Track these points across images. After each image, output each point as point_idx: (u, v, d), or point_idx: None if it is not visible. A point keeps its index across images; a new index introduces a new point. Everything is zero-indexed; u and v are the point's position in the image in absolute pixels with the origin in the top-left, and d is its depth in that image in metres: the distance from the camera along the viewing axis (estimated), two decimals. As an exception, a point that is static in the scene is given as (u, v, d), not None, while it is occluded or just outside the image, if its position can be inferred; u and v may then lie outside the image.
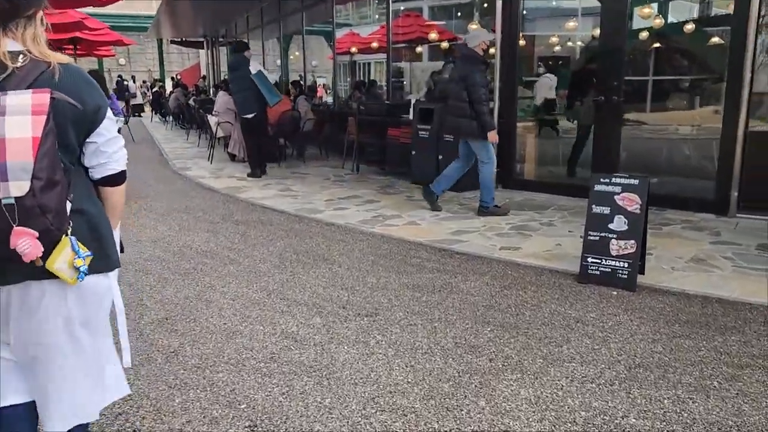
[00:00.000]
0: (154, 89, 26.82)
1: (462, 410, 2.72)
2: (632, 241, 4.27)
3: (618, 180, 4.36)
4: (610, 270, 4.32)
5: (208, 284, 4.43)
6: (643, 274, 4.44)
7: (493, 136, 6.34)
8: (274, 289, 4.30)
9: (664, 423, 2.60)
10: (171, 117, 20.45)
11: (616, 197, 4.34)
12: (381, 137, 9.30)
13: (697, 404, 2.75)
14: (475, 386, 2.92)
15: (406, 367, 3.13)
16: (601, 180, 4.41)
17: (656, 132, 8.50)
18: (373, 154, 9.80)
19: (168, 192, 8.30)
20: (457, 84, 6.42)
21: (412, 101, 9.05)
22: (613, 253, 4.32)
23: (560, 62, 12.34)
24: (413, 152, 8.33)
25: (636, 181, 4.30)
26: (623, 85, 6.83)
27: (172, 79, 27.46)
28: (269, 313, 3.86)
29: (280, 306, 3.98)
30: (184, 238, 5.79)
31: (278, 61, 18.95)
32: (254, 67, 8.96)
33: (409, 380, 2.99)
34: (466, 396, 2.83)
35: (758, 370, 3.06)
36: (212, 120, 11.13)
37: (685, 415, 2.67)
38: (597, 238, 4.38)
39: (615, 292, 4.21)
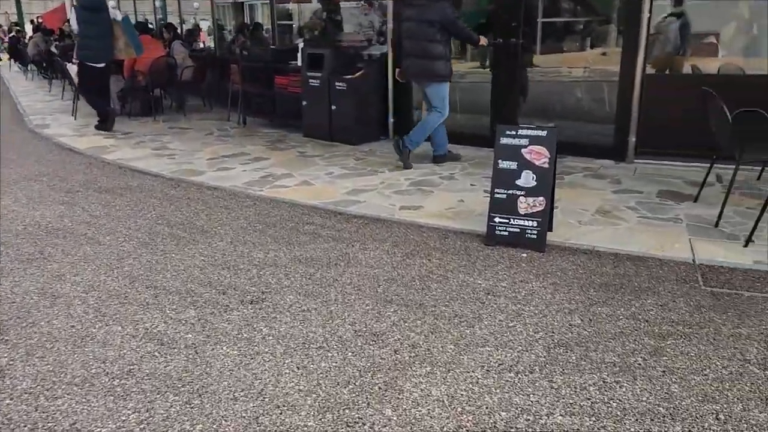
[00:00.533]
0: (11, 34, 23.88)
1: (365, 424, 2.28)
2: (541, 198, 3.96)
3: (525, 132, 3.99)
4: (518, 230, 4.01)
5: (56, 273, 3.68)
6: (551, 230, 4.17)
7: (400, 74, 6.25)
8: (139, 275, 3.63)
9: (594, 419, 2.29)
10: (31, 66, 18.22)
11: (523, 151, 3.99)
12: (268, 86, 8.52)
13: (624, 389, 2.47)
14: (380, 389, 2.49)
15: (298, 369, 2.64)
16: (507, 132, 4.03)
17: (555, 76, 8.31)
18: (261, 105, 9.01)
19: (19, 155, 7.16)
20: (425, 25, 5.82)
21: (300, 46, 8.30)
22: (522, 211, 4.00)
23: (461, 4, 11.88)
24: (304, 102, 7.66)
25: (544, 133, 3.96)
26: (522, 27, 6.48)
27: (32, 22, 24.55)
28: (131, 307, 3.22)
29: (145, 297, 3.34)
30: (31, 213, 4.90)
31: (157, 2, 17.23)
32: (114, 12, 7.86)
33: (301, 388, 2.50)
34: (368, 404, 2.39)
35: (680, 340, 2.84)
36: (73, 69, 9.80)
37: (614, 404, 2.37)
38: (504, 196, 4.03)
39: (525, 254, 3.91)
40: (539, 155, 3.96)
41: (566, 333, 2.92)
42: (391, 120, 7.51)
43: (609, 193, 5.17)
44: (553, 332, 2.93)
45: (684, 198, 4.98)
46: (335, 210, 4.88)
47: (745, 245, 3.98)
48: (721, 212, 4.36)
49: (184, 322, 3.05)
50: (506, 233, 4.03)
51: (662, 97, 5.95)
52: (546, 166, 3.95)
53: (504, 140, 4.03)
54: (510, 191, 4.02)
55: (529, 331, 2.93)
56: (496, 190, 4.05)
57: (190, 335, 2.92)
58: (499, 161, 4.04)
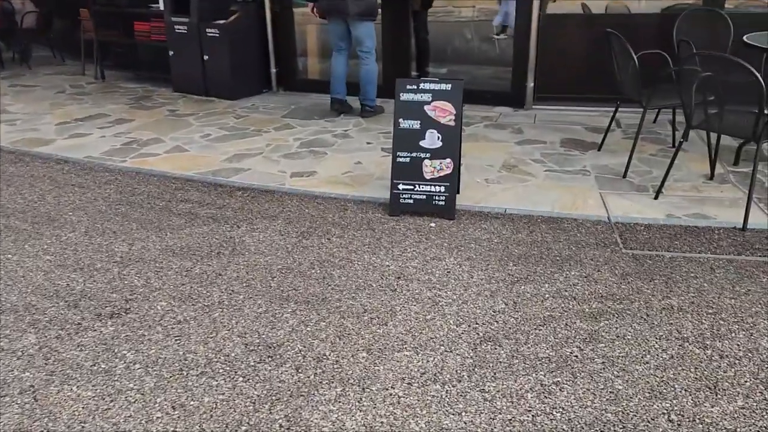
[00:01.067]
0: None
1: (264, 484, 1.80)
2: (448, 160, 3.54)
3: (427, 86, 3.52)
4: (425, 197, 3.59)
5: None
6: (459, 192, 3.79)
7: None
8: (-39, 290, 2.87)
9: (538, 439, 1.95)
10: None
11: (426, 108, 3.53)
12: (128, 34, 7.44)
13: (566, 392, 2.15)
14: (281, 426, 2.01)
15: (174, 409, 2.09)
16: (408, 87, 3.54)
17: (447, 19, 7.86)
18: (121, 56, 7.91)
19: None
20: None
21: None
22: (427, 176, 3.57)
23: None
24: (171, 52, 6.73)
25: (448, 86, 3.50)
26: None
27: None
28: (-53, 339, 2.50)
29: (-32, 321, 2.62)
30: None
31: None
32: None
33: (180, 437, 1.97)
34: (268, 452, 1.92)
35: (613, 320, 2.57)
36: None
37: (558, 415, 2.05)
38: (407, 159, 3.58)
39: (433, 224, 3.51)
40: (444, 112, 3.51)
41: (491, 323, 2.56)
42: (273, 70, 6.78)
43: (512, 145, 4.87)
44: (476, 323, 2.56)
45: (588, 147, 4.78)
46: (214, 182, 4.23)
47: (656, 197, 3.81)
48: (629, 163, 4.17)
49: (19, 354, 2.38)
50: (411, 201, 3.61)
51: (560, 39, 5.69)
52: (452, 123, 3.52)
53: (405, 96, 3.54)
54: (414, 154, 3.57)
55: (450, 325, 2.55)
56: (399, 154, 3.59)
57: (28, 374, 2.27)
58: (400, 121, 3.56)
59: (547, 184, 4.05)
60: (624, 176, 4.15)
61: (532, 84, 5.77)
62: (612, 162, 4.44)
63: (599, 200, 3.80)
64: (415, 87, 3.52)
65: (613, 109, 4.77)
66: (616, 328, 2.51)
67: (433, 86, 3.50)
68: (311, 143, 5.00)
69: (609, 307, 2.66)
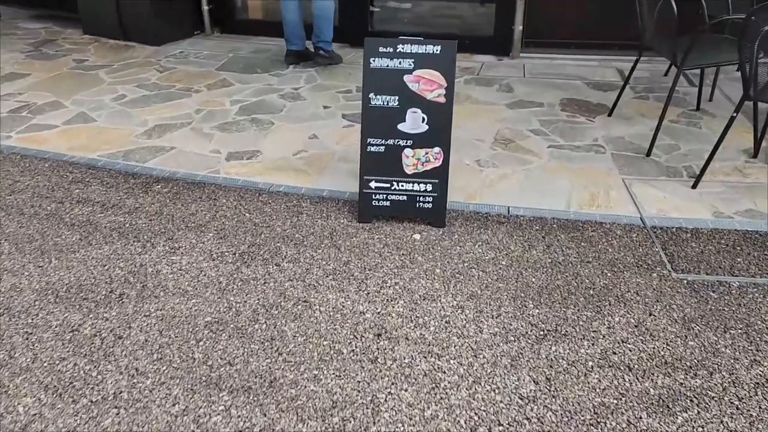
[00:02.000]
0: None
1: None
2: (437, 150, 2.64)
3: (408, 49, 2.55)
4: (405, 198, 2.69)
5: None
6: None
7: None
8: None
9: None
10: None
11: (407, 79, 2.58)
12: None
13: None
14: None
15: None
16: (381, 50, 2.56)
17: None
18: (19, -12, 6.53)
19: None
20: None
21: None
22: (409, 170, 2.67)
23: None
24: (76, -15, 5.46)
25: (437, 49, 2.55)
26: None
27: None
28: None
29: None
30: None
31: None
32: None
33: None
34: None
35: (693, 408, 1.79)
36: None
37: None
38: (381, 148, 2.65)
39: (418, 236, 2.64)
40: (431, 84, 2.57)
41: (521, 422, 1.75)
42: (206, 8, 5.60)
43: (503, 108, 3.97)
44: (499, 423, 1.74)
45: (595, 110, 3.92)
46: (126, 169, 3.23)
47: (694, 186, 3.01)
48: (655, 137, 3.33)
49: None
50: (388, 204, 2.71)
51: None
52: (441, 100, 2.59)
53: (376, 62, 2.57)
54: (390, 141, 2.64)
55: (461, 429, 1.73)
56: (370, 141, 2.65)
57: None
58: (371, 96, 2.60)
59: (555, 167, 3.20)
60: (648, 154, 3.32)
61: (520, 27, 4.82)
62: (629, 132, 3.60)
63: (624, 191, 2.98)
64: (391, 50, 2.55)
65: (616, 57, 3.93)
66: (702, 426, 1.74)
67: (415, 49, 2.54)
68: (254, 108, 3.98)
69: (681, 383, 1.88)
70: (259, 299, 2.25)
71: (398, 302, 2.23)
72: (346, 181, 3.07)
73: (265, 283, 2.33)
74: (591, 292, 2.29)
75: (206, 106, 4.03)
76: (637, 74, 4.49)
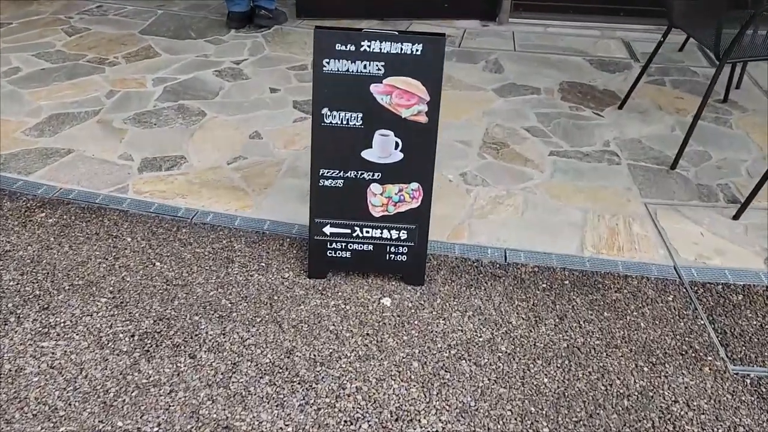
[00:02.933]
0: None
1: None
2: (414, 186, 1.93)
3: (376, 46, 1.79)
4: (371, 247, 2.00)
5: None
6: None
7: None
8: None
9: None
10: None
11: (374, 89, 1.83)
12: None
13: None
14: None
15: None
16: (338, 47, 1.80)
17: None
18: None
19: None
20: None
21: None
22: (376, 212, 1.96)
23: None
24: None
25: (417, 48, 1.79)
26: None
27: None
28: None
29: None
30: None
31: None
32: None
33: None
34: None
35: None
36: None
37: None
38: (338, 182, 1.93)
39: (388, 300, 1.96)
40: (408, 97, 1.84)
41: None
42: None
43: (491, 94, 3.24)
44: None
45: (602, 98, 3.23)
46: (2, 187, 2.44)
47: (736, 216, 2.39)
48: (683, 148, 2.67)
49: None
50: (347, 255, 2.01)
51: None
52: (423, 119, 1.86)
53: (332, 65, 1.81)
54: (350, 173, 1.92)
55: None
56: (323, 173, 1.92)
57: None
58: (325, 112, 1.86)
59: (560, 186, 2.53)
60: (673, 167, 2.68)
61: (510, -13, 4.03)
62: (645, 132, 2.93)
63: (650, 224, 2.34)
64: (353, 48, 1.79)
65: (621, 26, 3.24)
66: None
67: (387, 47, 1.79)
68: (182, 90, 3.17)
69: None
70: (160, 424, 1.56)
71: (361, 426, 1.58)
72: (295, 206, 2.36)
73: (171, 392, 1.64)
74: (625, 402, 1.66)
75: (121, 86, 3.20)
76: (644, 48, 3.81)
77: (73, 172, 2.52)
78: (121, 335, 1.80)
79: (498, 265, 2.12)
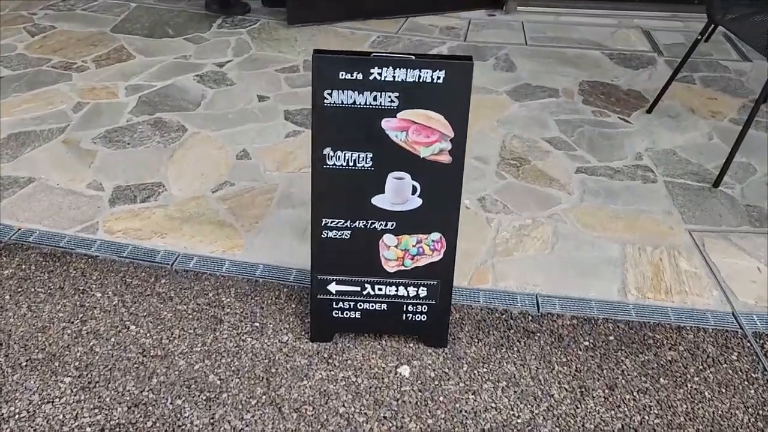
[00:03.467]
0: None
1: None
2: (435, 236, 1.61)
3: (389, 74, 1.46)
4: (384, 307, 1.69)
5: None
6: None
7: None
8: None
9: None
10: None
11: (387, 124, 1.51)
12: None
13: None
14: None
15: None
16: (342, 76, 1.46)
17: None
18: None
19: None
20: None
21: None
22: (390, 267, 1.65)
23: None
24: None
25: (440, 74, 1.46)
26: None
27: None
28: None
29: None
30: None
31: None
32: None
33: None
34: None
35: None
36: None
37: None
38: (345, 233, 1.61)
39: (406, 370, 1.66)
40: (428, 133, 1.51)
41: None
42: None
43: (506, 99, 2.92)
44: None
45: (626, 100, 2.91)
46: (-51, 229, 2.10)
47: (794, 247, 2.10)
48: (726, 166, 2.37)
49: None
50: (357, 315, 1.71)
51: None
52: (446, 159, 1.54)
53: (335, 96, 1.48)
54: (358, 223, 1.60)
55: None
56: (326, 222, 1.60)
57: None
58: (327, 153, 1.53)
59: (592, 212, 2.23)
60: (716, 184, 2.38)
61: (518, -28, 3.68)
62: (680, 141, 2.63)
63: (698, 257, 2.05)
64: (361, 76, 1.46)
65: (640, 13, 2.95)
66: None
67: (402, 75, 1.45)
68: (159, 100, 2.82)
69: None
70: None
71: None
72: (292, 243, 2.05)
73: None
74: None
75: (90, 96, 2.84)
76: (666, 38, 3.49)
77: (35, 207, 2.19)
78: (88, 429, 1.49)
79: (530, 317, 1.83)
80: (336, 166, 1.54)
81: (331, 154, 1.53)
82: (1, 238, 2.05)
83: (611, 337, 1.78)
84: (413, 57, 1.45)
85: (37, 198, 2.23)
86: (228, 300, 1.86)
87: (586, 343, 1.76)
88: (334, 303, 1.69)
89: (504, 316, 1.83)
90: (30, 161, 2.42)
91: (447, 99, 1.48)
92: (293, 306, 1.84)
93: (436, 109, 1.49)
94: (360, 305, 1.69)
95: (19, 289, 1.87)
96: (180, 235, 2.09)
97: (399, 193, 1.58)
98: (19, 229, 2.09)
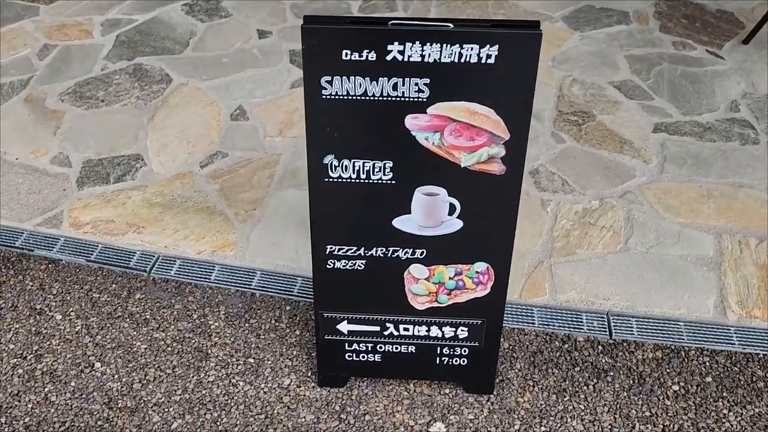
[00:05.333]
0: None
1: None
2: (480, 267, 1.18)
3: (415, 51, 0.98)
4: (413, 349, 1.30)
5: None
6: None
7: None
8: None
9: None
10: None
11: (412, 122, 1.04)
12: None
13: None
14: None
15: None
16: (346, 56, 0.99)
17: None
18: None
19: None
20: None
21: None
22: (419, 304, 1.24)
23: None
24: None
25: (493, 51, 0.97)
26: None
27: None
28: None
29: None
30: None
31: None
32: None
33: None
34: None
35: None
36: None
37: None
38: (358, 263, 1.19)
39: (441, 430, 1.29)
40: (474, 134, 1.05)
41: None
42: None
43: (561, 25, 2.35)
44: None
45: (715, 26, 2.32)
46: None
47: None
48: None
49: None
50: (377, 358, 1.32)
51: None
52: (497, 168, 1.08)
53: (335, 86, 1.01)
54: (375, 251, 1.17)
55: None
56: (330, 250, 1.18)
57: None
58: (329, 161, 1.09)
59: (676, 188, 1.75)
60: (838, 148, 1.85)
61: None
62: (788, 87, 2.08)
63: (818, 254, 1.59)
64: (373, 55, 0.98)
65: None
66: None
67: (434, 51, 0.97)
68: (140, 39, 2.34)
69: None
70: None
71: None
72: (296, 239, 1.64)
73: None
74: None
75: (59, 36, 2.37)
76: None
77: (-13, 193, 1.81)
78: None
79: (600, 347, 1.42)
80: (342, 179, 1.10)
81: (335, 163, 1.08)
82: (-54, 237, 1.69)
83: (708, 378, 1.37)
84: (451, 26, 0.96)
85: (-11, 179, 1.85)
86: (216, 324, 1.48)
87: (676, 388, 1.35)
88: (346, 344, 1.30)
89: (566, 345, 1.43)
90: None
91: (500, 86, 1.00)
92: (297, 333, 1.47)
93: (485, 100, 1.01)
94: (380, 347, 1.30)
95: (-37, 312, 1.53)
96: (160, 229, 1.70)
97: (430, 213, 1.13)
98: (-34, 223, 1.72)
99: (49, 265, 1.62)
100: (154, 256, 1.63)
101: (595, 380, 1.37)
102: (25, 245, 1.67)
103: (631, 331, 1.45)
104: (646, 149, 1.87)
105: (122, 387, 1.37)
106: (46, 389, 1.37)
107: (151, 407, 1.33)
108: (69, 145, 1.95)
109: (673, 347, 1.42)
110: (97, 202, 1.78)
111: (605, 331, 1.45)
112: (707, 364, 1.39)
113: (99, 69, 2.23)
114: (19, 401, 1.35)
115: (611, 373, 1.38)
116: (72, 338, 1.46)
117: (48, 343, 1.46)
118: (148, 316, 1.50)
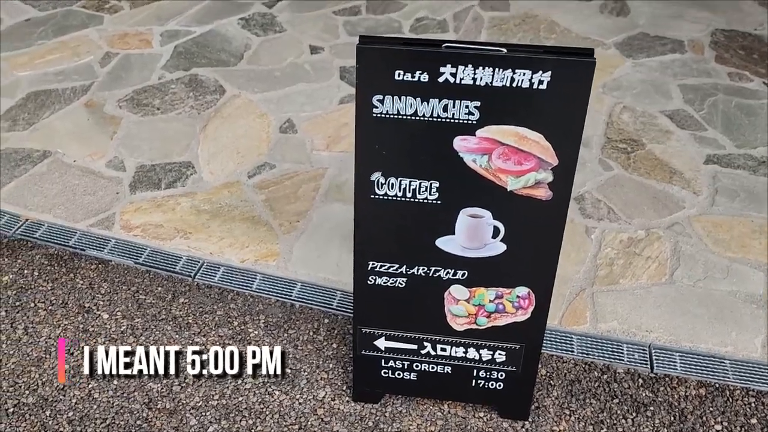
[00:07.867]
0: None
1: None
2: (522, 291, 1.18)
3: (467, 74, 0.99)
4: (449, 370, 1.30)
5: None
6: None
7: None
8: None
9: None
10: None
11: (461, 144, 1.05)
12: None
13: None
14: None
15: None
16: (398, 76, 1.01)
17: None
18: None
19: None
20: None
21: None
22: (458, 325, 1.24)
23: None
24: None
25: (545, 77, 0.98)
26: None
27: None
28: None
29: None
30: None
31: None
32: None
33: None
34: None
35: None
36: None
37: None
38: (399, 281, 1.20)
39: (473, 452, 1.29)
40: (522, 159, 1.05)
41: None
42: None
43: (614, 52, 2.33)
44: None
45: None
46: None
47: None
48: None
49: None
50: (411, 377, 1.32)
51: None
52: (543, 193, 1.08)
53: (387, 106, 1.03)
54: (417, 269, 1.18)
55: None
56: (373, 266, 1.19)
57: None
58: (377, 179, 1.10)
59: (727, 222, 1.71)
60: None
61: None
62: None
63: None
64: (426, 76, 1.00)
65: None
66: None
67: (486, 75, 0.98)
68: (196, 50, 2.41)
69: None
70: None
71: None
72: (339, 253, 1.66)
73: None
74: None
75: (121, 45, 2.47)
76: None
77: (46, 191, 1.88)
78: None
79: (641, 380, 1.39)
80: (388, 196, 1.11)
81: (382, 181, 1.10)
82: (5, 232, 1.76)
83: (753, 420, 1.32)
84: (504, 50, 0.97)
85: (49, 178, 1.92)
86: (256, 332, 1.51)
87: (718, 428, 1.31)
88: (383, 361, 1.30)
89: (605, 376, 1.40)
90: (47, 129, 2.09)
91: (551, 112, 1.00)
92: (334, 346, 1.48)
93: (535, 126, 1.02)
94: (417, 366, 1.30)
95: (18, 303, 1.59)
96: (206, 236, 1.74)
97: (474, 235, 1.14)
98: (26, 220, 1.79)
99: (99, 265, 1.68)
100: (199, 262, 1.68)
101: (634, 414, 1.34)
102: (78, 245, 1.73)
103: (674, 365, 1.42)
104: (697, 180, 1.84)
105: (162, 389, 1.40)
106: (90, 386, 1.41)
107: (189, 410, 1.36)
108: (124, 150, 2.02)
109: (717, 385, 1.38)
110: (147, 206, 1.83)
111: (647, 364, 1.42)
112: (752, 404, 1.35)
113: (156, 78, 2.31)
114: (64, 396, 1.39)
115: (651, 408, 1.34)
116: (117, 337, 1.51)
117: (94, 341, 1.50)
118: (190, 321, 1.54)
